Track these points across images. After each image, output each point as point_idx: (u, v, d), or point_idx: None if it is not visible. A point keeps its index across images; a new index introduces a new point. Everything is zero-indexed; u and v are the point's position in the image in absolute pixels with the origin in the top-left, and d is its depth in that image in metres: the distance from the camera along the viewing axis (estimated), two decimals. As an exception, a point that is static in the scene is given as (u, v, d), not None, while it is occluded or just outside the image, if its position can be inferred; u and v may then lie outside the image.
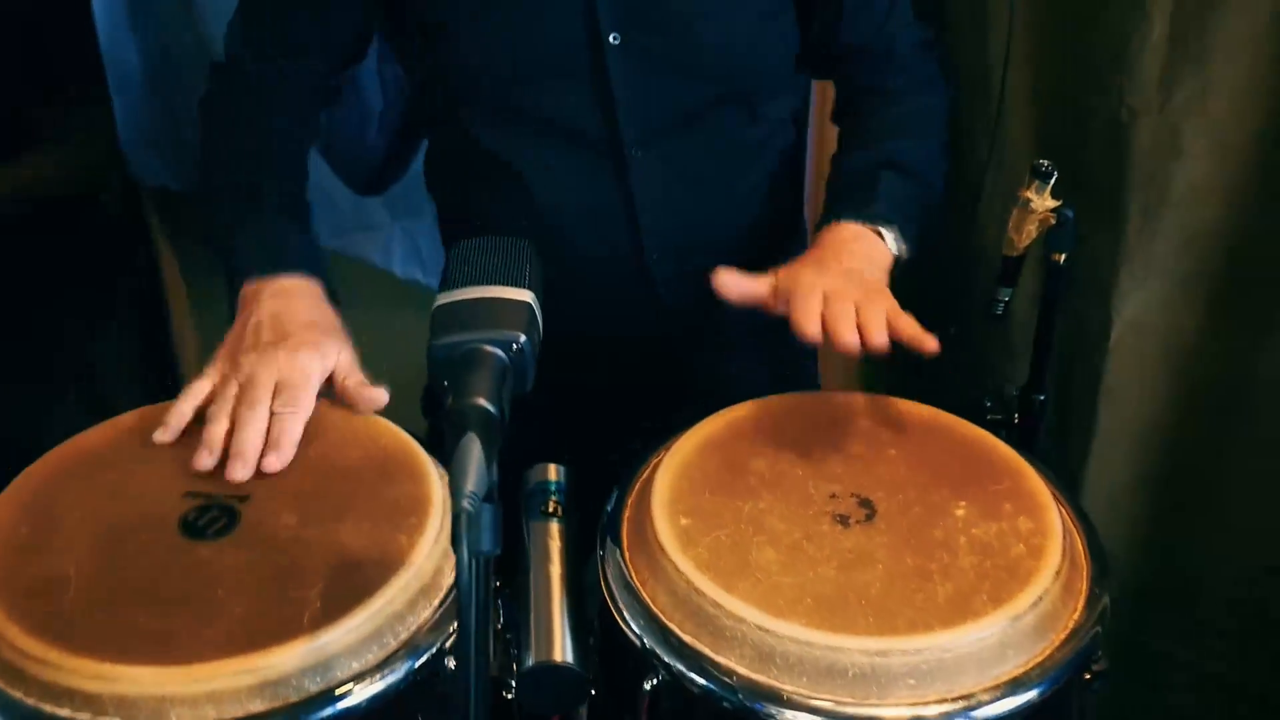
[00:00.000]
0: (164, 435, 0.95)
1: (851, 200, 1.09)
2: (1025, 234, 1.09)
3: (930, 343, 0.94)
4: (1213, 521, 1.42)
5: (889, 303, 0.98)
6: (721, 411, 1.05)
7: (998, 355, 1.46)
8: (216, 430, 0.93)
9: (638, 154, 1.13)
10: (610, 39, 1.08)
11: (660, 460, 0.99)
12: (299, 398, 0.95)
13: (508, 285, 0.76)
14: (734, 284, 1.01)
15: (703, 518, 0.92)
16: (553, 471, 1.04)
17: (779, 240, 1.28)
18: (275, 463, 0.92)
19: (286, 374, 0.95)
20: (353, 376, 0.98)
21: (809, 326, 0.93)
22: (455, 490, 0.62)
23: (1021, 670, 0.83)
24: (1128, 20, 1.24)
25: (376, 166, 1.69)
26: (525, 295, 0.76)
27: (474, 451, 0.63)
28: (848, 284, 0.98)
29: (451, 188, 1.24)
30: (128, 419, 1.00)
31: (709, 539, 0.90)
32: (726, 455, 0.99)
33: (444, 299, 0.76)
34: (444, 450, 0.91)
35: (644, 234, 1.16)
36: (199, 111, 1.19)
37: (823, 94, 1.53)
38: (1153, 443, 1.42)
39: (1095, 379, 1.39)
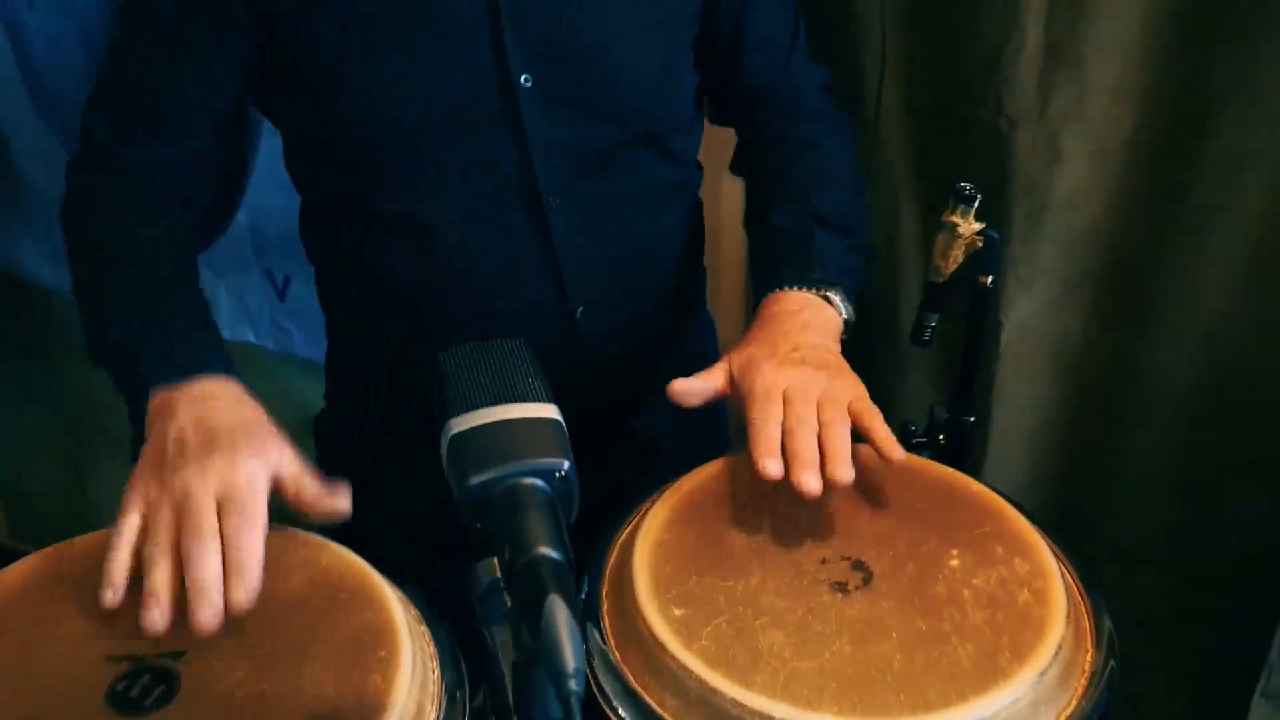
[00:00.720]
0: (113, 597, 0.79)
1: (790, 264, 1.04)
2: (952, 259, 1.07)
3: (897, 452, 0.90)
4: (1106, 517, 1.46)
5: (855, 394, 0.93)
6: (677, 482, 0.98)
7: (889, 375, 1.45)
8: (160, 577, 0.77)
9: (555, 201, 1.05)
10: (522, 81, 1.00)
11: (630, 541, 0.92)
12: (251, 510, 0.79)
13: (527, 400, 0.67)
14: (692, 391, 0.96)
15: (697, 605, 0.85)
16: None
17: (688, 282, 1.22)
18: (243, 595, 0.77)
19: (229, 483, 0.80)
20: (308, 482, 0.84)
21: (769, 465, 0.88)
22: (557, 673, 0.53)
23: (1055, 726, 0.81)
24: (1002, 31, 1.24)
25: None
26: (551, 411, 0.67)
27: (562, 619, 0.54)
28: (808, 377, 0.93)
29: (342, 246, 1.11)
30: (15, 574, 0.85)
31: (710, 628, 0.83)
32: (701, 530, 0.92)
33: (459, 426, 0.65)
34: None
35: (567, 283, 1.09)
36: (64, 214, 1.02)
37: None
38: (1047, 442, 1.44)
39: (987, 383, 1.40)
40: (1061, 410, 1.42)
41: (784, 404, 0.91)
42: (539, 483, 0.63)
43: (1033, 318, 1.37)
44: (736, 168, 1.23)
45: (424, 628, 0.86)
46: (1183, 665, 1.49)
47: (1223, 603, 1.40)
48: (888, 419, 0.94)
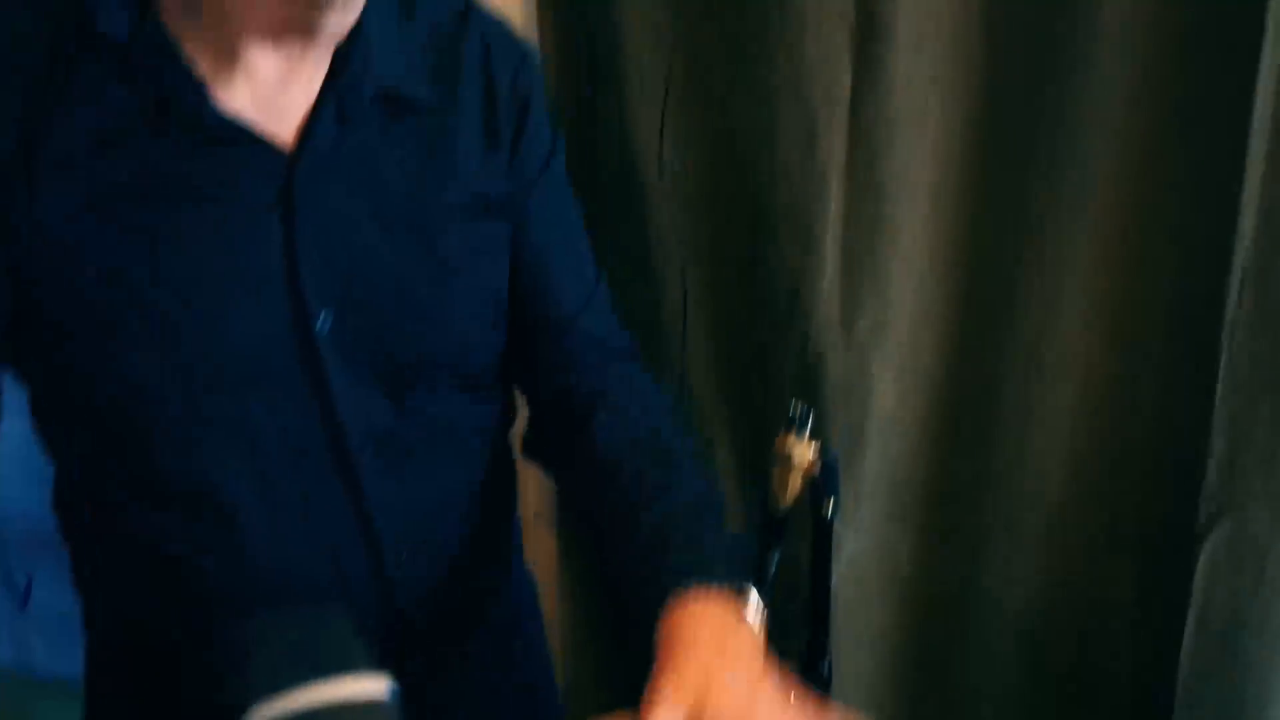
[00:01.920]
0: None
1: (684, 563, 0.87)
2: (791, 489, 1.00)
3: None
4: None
5: None
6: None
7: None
8: None
9: (364, 453, 0.93)
10: (320, 323, 0.89)
11: None
12: None
13: (352, 674, 0.52)
14: None
15: None
16: None
17: (503, 532, 1.10)
18: None
19: None
20: None
21: None
22: None
23: None
24: (801, 259, 1.23)
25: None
26: (381, 687, 0.53)
27: None
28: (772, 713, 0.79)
29: (111, 525, 0.94)
30: None
31: None
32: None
33: (268, 711, 0.50)
34: None
35: (384, 540, 0.95)
36: None
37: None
38: (888, 671, 1.36)
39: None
40: (900, 637, 1.35)
41: None
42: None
43: (860, 548, 1.31)
44: (533, 451, 1.09)
45: None
46: None
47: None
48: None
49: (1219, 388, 1.15)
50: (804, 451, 0.99)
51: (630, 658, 0.85)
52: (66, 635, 1.07)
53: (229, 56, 0.86)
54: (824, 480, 1.00)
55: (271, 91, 0.87)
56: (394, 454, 0.94)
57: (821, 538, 1.03)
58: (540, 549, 1.44)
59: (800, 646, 1.08)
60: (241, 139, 0.86)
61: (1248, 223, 1.10)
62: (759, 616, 0.89)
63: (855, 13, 1.15)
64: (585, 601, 1.49)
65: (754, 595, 0.88)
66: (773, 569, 1.04)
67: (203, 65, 0.85)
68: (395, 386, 0.94)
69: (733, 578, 0.86)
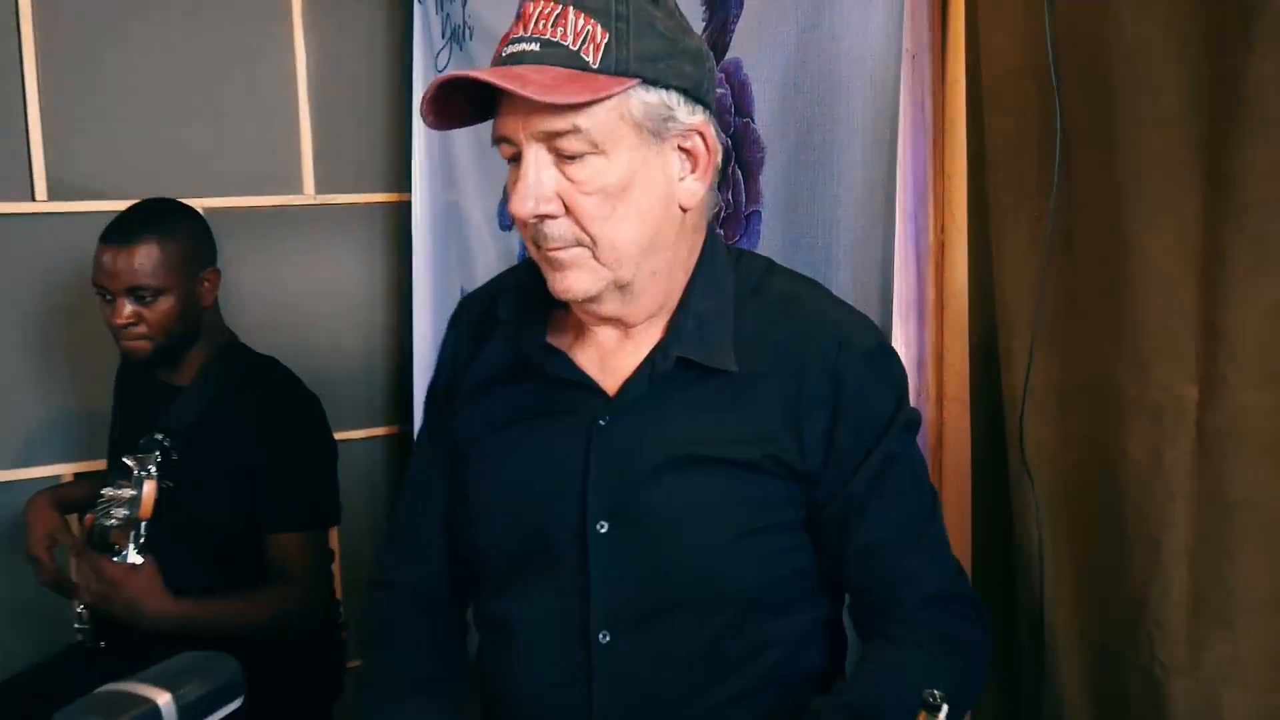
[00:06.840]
0: None
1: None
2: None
3: None
4: None
5: None
6: None
7: None
8: None
9: (604, 639, 1.16)
10: (598, 528, 1.16)
11: None
12: None
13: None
14: None
15: None
16: None
17: None
18: None
19: None
20: None
21: None
22: None
23: None
24: (1148, 569, 1.18)
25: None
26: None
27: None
28: None
29: (480, 642, 1.33)
30: None
31: None
32: None
33: None
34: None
35: (595, 689, 1.17)
36: (362, 626, 1.40)
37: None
38: None
39: None
40: None
41: None
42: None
43: None
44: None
45: None
46: None
47: None
48: None
49: None
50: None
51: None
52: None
53: (580, 331, 1.24)
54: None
55: (608, 355, 1.23)
56: (633, 653, 1.17)
57: None
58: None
59: None
60: (581, 387, 1.21)
61: None
62: None
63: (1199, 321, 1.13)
64: None
65: None
66: None
67: (568, 335, 1.25)
68: (648, 595, 1.16)
69: None
